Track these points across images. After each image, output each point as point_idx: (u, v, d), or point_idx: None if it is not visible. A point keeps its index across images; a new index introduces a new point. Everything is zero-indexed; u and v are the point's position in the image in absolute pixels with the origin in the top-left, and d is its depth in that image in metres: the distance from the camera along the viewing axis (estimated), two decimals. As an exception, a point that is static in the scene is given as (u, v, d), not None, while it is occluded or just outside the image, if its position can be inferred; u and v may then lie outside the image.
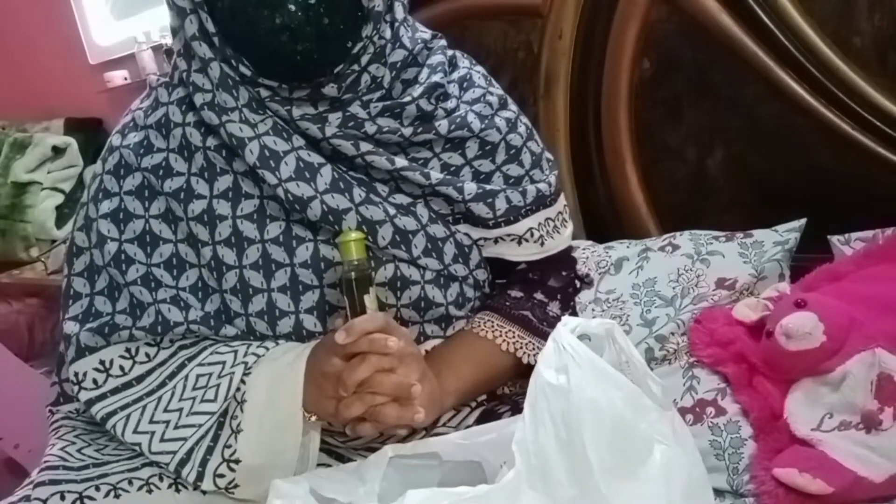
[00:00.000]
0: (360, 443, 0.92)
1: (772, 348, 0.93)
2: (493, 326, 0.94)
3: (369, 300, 0.81)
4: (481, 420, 0.93)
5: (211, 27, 0.85)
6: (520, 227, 0.93)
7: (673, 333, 1.06)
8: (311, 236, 0.87)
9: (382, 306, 0.85)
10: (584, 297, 1.15)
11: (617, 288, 1.16)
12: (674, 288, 1.12)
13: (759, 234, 1.16)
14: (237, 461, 0.82)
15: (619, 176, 1.43)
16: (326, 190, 0.85)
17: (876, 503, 0.83)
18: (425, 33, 0.98)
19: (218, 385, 0.84)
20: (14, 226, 2.54)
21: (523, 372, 0.97)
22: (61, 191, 2.56)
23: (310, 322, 0.87)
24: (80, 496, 0.80)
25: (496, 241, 0.93)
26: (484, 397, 0.98)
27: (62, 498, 0.80)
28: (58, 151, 2.56)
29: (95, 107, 2.71)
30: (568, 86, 1.45)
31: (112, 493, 0.81)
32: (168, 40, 2.20)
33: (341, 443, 0.92)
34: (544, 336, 0.95)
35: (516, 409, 0.93)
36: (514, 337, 0.94)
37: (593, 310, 1.13)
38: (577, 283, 1.09)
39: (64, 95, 2.83)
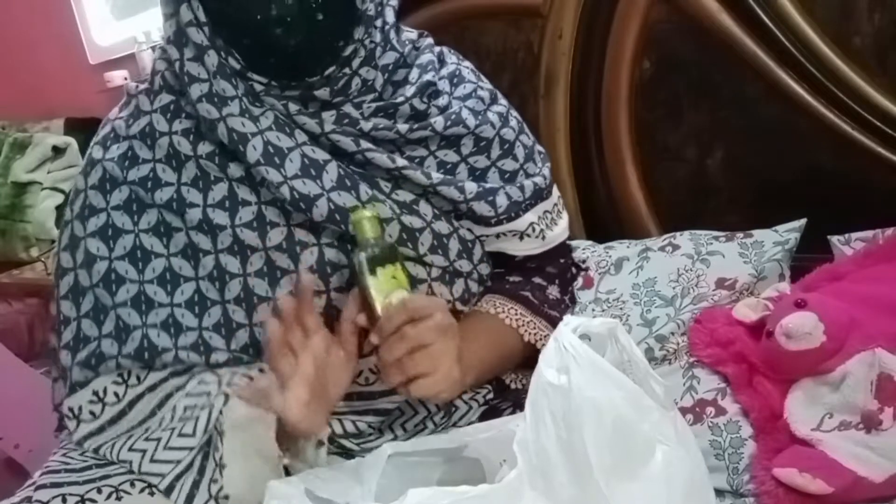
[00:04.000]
0: (361, 440, 0.91)
1: (772, 348, 0.93)
2: (495, 305, 0.94)
3: (375, 282, 0.78)
4: (484, 417, 0.94)
5: (202, 16, 0.83)
6: (521, 223, 0.93)
7: (673, 333, 1.06)
8: (315, 240, 0.85)
9: (409, 282, 0.82)
10: (584, 296, 1.15)
11: (617, 288, 1.16)
12: (674, 288, 1.12)
13: (759, 234, 1.16)
14: (226, 497, 0.80)
15: (619, 176, 1.43)
16: (333, 187, 0.84)
17: (876, 503, 0.83)
18: (411, 33, 0.97)
19: (198, 418, 0.81)
20: (14, 226, 2.54)
21: (529, 360, 0.97)
22: (61, 191, 2.56)
23: None
24: (81, 498, 0.79)
25: (498, 236, 0.93)
26: (491, 395, 0.98)
27: (63, 500, 0.79)
28: (58, 151, 2.56)
29: (95, 107, 2.70)
30: (568, 86, 1.45)
31: (114, 496, 0.81)
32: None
33: (357, 444, 0.91)
34: (546, 317, 0.96)
35: (518, 406, 0.93)
36: (516, 314, 0.94)
37: (593, 310, 1.13)
38: (574, 270, 1.09)
39: (64, 95, 2.83)
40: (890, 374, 0.84)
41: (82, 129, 2.71)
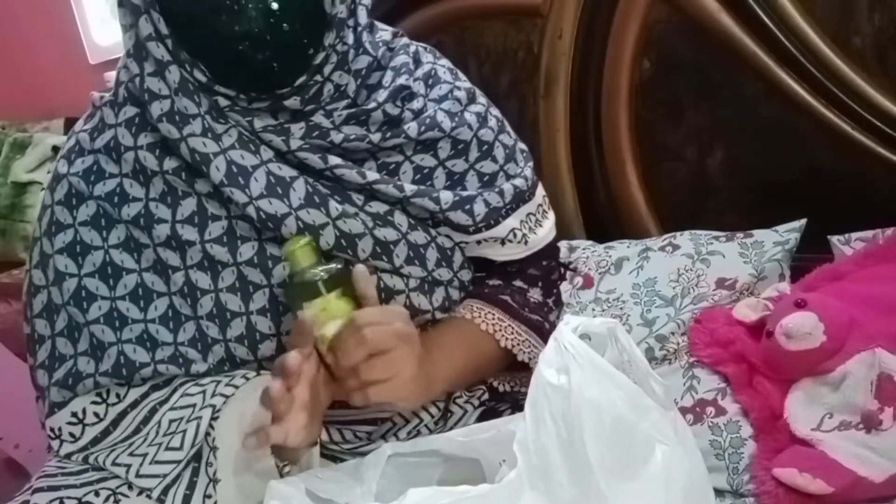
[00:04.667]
0: (350, 446, 0.91)
1: (772, 348, 0.93)
2: (472, 309, 0.92)
3: (309, 309, 0.77)
4: (482, 418, 0.93)
5: (164, 29, 0.80)
6: (502, 230, 0.90)
7: (673, 333, 1.06)
8: None
9: (355, 305, 0.80)
10: (584, 296, 1.15)
11: (617, 288, 1.16)
12: (674, 288, 1.12)
13: (759, 234, 1.16)
14: None
15: (619, 176, 1.43)
16: (301, 205, 0.81)
17: (876, 503, 0.83)
18: (385, 32, 0.94)
19: (185, 431, 0.80)
20: (14, 226, 2.54)
21: (512, 364, 0.95)
22: (61, 191, 2.56)
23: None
24: (79, 501, 0.79)
25: (479, 242, 0.91)
26: (486, 396, 0.97)
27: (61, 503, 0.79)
28: (58, 151, 2.55)
29: (95, 107, 2.71)
30: (568, 86, 1.45)
31: (111, 499, 0.80)
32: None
33: (346, 450, 0.91)
34: (525, 321, 0.93)
35: (517, 407, 0.93)
36: (493, 319, 0.91)
37: (593, 310, 1.13)
38: (561, 270, 1.07)
39: (64, 95, 2.83)
40: (890, 374, 0.84)
41: (82, 129, 2.71)
